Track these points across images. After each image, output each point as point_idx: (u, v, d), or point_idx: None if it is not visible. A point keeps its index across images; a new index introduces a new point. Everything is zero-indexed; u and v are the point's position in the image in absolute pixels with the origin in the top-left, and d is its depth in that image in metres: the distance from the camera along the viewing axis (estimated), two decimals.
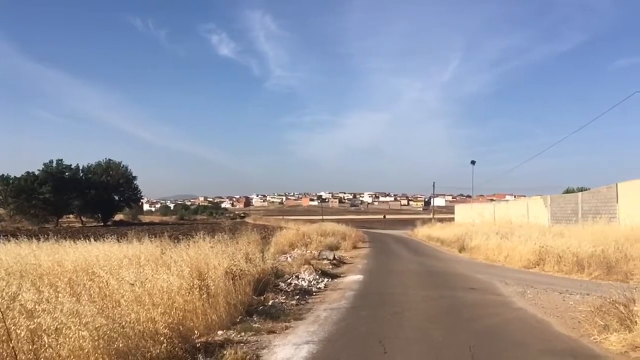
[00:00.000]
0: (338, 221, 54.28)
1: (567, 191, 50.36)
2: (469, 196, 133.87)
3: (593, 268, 16.12)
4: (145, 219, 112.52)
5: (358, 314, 10.24)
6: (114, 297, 7.82)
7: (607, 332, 7.68)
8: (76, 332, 5.70)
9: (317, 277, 15.30)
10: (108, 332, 5.95)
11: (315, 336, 8.30)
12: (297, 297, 12.13)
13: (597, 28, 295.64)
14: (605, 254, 16.50)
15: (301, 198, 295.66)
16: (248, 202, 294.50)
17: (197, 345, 7.29)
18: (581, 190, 36.60)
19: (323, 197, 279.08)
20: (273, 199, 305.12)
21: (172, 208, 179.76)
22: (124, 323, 6.40)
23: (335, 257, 21.81)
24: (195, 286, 8.78)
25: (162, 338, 6.56)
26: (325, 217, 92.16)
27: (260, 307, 10.44)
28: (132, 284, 8.15)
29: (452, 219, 59.71)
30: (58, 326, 5.79)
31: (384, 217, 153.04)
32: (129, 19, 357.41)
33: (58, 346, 5.58)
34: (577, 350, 7.46)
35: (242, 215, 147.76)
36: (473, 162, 65.47)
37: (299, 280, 14.40)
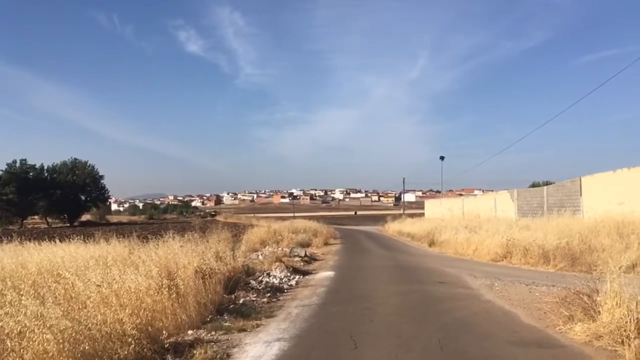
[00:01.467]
0: (309, 218, 54.36)
1: (534, 185, 51.42)
2: (438, 191, 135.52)
3: (558, 260, 16.50)
4: (114, 219, 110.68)
5: (329, 310, 10.27)
6: (80, 299, 7.66)
7: (571, 323, 7.86)
8: (40, 335, 5.57)
9: (289, 274, 15.28)
10: (73, 334, 5.83)
11: (286, 333, 8.29)
12: (269, 294, 12.09)
13: (560, 25, 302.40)
14: (570, 246, 16.91)
15: (272, 196, 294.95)
16: (219, 200, 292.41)
17: (166, 346, 7.20)
18: (547, 184, 37.40)
19: (294, 194, 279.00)
20: (244, 197, 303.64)
21: (140, 207, 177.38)
22: (90, 325, 6.27)
23: (307, 254, 21.82)
24: (164, 286, 8.67)
25: (129, 339, 6.45)
26: (296, 214, 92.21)
27: (231, 306, 10.37)
28: (99, 285, 8.00)
29: (423, 214, 60.39)
30: (21, 330, 5.66)
31: (355, 213, 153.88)
32: (92, 14, 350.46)
33: (21, 350, 5.45)
34: (543, 340, 7.62)
35: (213, 213, 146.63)
36: (442, 158, 66.26)
37: (270, 278, 14.36)
